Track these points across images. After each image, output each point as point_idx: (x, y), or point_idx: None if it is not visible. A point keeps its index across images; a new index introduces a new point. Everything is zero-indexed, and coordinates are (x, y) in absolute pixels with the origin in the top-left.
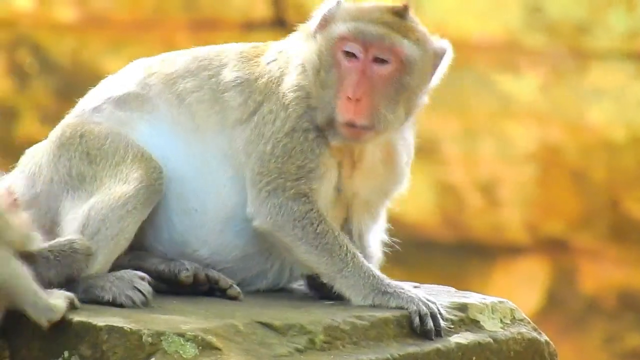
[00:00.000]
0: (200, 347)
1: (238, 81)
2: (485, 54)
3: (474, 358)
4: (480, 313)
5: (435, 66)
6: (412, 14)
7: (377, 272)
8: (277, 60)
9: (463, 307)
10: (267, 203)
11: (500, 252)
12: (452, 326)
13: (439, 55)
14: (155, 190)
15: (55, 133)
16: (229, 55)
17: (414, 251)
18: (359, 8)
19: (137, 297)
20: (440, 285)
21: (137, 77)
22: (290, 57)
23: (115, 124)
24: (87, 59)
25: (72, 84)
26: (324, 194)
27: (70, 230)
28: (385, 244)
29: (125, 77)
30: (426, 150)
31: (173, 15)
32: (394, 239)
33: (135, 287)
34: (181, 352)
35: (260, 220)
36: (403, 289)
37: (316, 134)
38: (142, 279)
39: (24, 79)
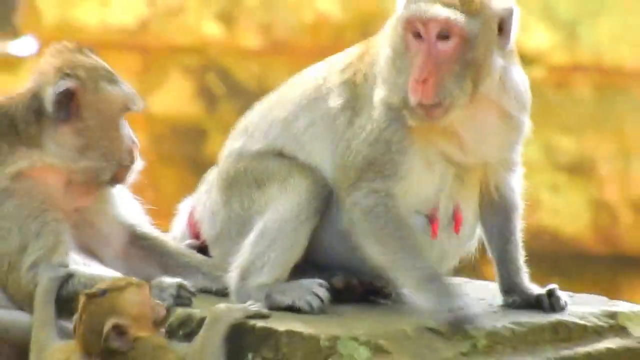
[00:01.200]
0: (372, 351)
1: (344, 105)
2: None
3: None
4: (629, 320)
5: (502, 29)
6: None
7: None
8: (368, 77)
9: (613, 315)
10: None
11: None
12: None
13: (505, 18)
14: (325, 199)
15: (220, 175)
16: (332, 81)
17: (570, 263)
18: None
19: (315, 303)
20: (594, 295)
21: (262, 129)
22: (377, 69)
23: (271, 152)
24: (271, 82)
25: None
26: (429, 187)
27: (246, 244)
28: (544, 256)
29: (253, 128)
30: (582, 170)
31: (353, 41)
32: (552, 252)
33: (313, 292)
34: (355, 355)
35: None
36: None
37: (400, 140)
38: (320, 285)
39: (212, 101)
